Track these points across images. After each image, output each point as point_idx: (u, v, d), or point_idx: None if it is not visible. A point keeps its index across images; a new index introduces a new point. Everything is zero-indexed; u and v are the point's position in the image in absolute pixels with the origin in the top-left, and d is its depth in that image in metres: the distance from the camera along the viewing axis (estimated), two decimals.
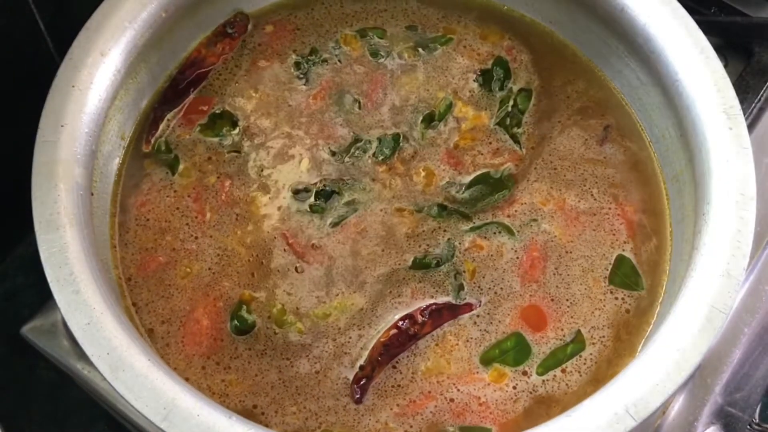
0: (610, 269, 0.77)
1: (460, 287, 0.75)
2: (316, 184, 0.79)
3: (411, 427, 0.69)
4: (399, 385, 0.71)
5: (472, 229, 0.77)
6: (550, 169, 0.81)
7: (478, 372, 0.72)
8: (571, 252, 0.77)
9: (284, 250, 0.76)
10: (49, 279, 0.62)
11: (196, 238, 0.77)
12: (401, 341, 0.72)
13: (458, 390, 0.71)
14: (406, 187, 0.80)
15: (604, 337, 0.74)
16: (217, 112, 0.83)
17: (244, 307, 0.73)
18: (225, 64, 0.86)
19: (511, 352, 0.73)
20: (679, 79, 0.76)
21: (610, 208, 0.80)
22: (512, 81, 0.87)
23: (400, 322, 0.72)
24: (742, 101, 0.84)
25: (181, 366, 0.71)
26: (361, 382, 0.70)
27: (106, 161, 0.77)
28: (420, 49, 0.88)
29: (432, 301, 0.74)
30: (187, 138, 0.82)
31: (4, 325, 0.86)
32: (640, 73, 0.83)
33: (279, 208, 0.78)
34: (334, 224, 0.77)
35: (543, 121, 0.84)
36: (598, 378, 0.72)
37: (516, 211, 0.79)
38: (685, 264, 0.70)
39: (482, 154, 0.82)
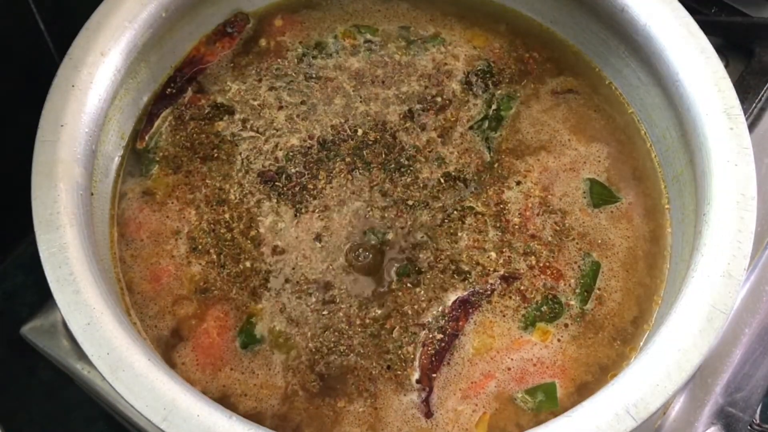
0: (588, 196, 0.80)
1: (466, 277, 0.75)
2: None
3: (481, 404, 0.70)
4: (459, 373, 0.72)
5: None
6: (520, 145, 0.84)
7: (522, 337, 0.73)
8: (551, 195, 0.80)
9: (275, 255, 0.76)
10: (49, 279, 0.62)
11: (197, 239, 0.77)
12: (446, 341, 0.72)
13: (511, 359, 0.72)
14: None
15: (613, 247, 0.78)
16: (214, 107, 0.83)
17: (251, 325, 0.73)
18: (220, 61, 0.87)
19: (544, 307, 0.74)
20: (680, 80, 0.76)
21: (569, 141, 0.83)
22: (496, 86, 0.87)
23: (437, 326, 0.73)
24: (742, 101, 0.84)
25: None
26: (425, 397, 0.70)
27: (106, 161, 0.77)
28: (411, 47, 0.88)
29: (456, 296, 0.74)
30: (183, 135, 0.82)
31: (4, 325, 0.86)
32: (640, 73, 0.83)
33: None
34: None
35: (524, 127, 0.84)
36: (629, 265, 0.77)
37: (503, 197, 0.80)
38: (685, 264, 0.70)
39: (450, 153, 0.82)
